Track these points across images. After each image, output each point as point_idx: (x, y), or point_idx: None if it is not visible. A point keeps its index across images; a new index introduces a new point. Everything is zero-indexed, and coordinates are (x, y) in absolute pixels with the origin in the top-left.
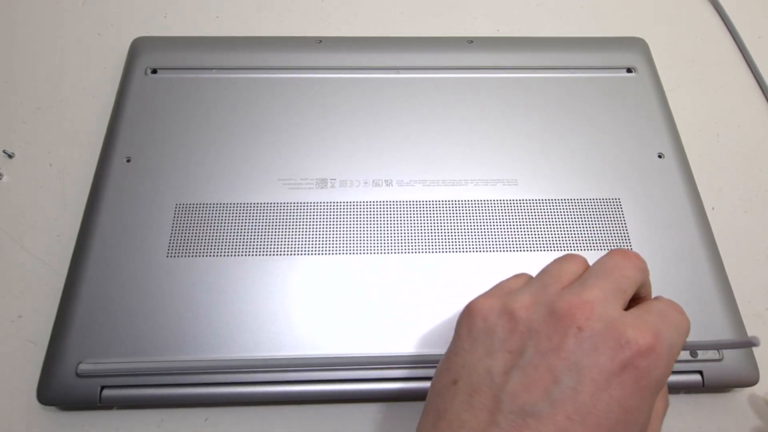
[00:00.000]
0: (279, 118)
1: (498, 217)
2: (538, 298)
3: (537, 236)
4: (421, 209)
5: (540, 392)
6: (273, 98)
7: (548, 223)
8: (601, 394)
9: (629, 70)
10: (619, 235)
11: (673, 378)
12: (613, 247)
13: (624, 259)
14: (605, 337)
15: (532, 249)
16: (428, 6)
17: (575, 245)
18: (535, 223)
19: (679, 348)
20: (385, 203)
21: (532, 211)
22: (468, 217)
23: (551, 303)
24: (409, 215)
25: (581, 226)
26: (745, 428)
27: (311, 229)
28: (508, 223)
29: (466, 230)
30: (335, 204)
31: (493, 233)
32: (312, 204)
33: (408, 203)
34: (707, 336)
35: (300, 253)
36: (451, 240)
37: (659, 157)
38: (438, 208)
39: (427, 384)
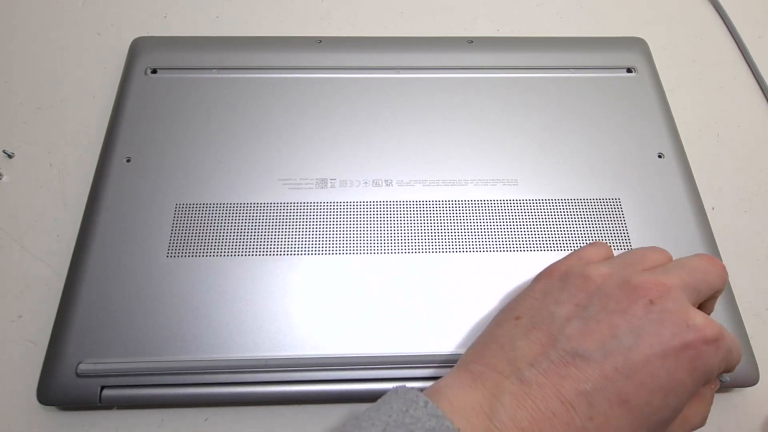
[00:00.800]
0: (279, 118)
1: (498, 217)
2: (616, 270)
3: (537, 236)
4: (421, 209)
5: (596, 341)
6: (273, 98)
7: (548, 223)
8: (654, 360)
9: (629, 70)
10: (619, 235)
11: None
12: (612, 248)
13: (711, 264)
14: (674, 315)
15: (532, 249)
16: (428, 6)
17: (575, 245)
18: (535, 223)
19: (732, 362)
20: (385, 203)
21: (532, 211)
22: (468, 217)
23: (628, 276)
24: (409, 215)
25: (581, 226)
26: (745, 428)
27: (311, 229)
28: (508, 223)
29: (466, 230)
30: (335, 204)
31: (493, 233)
32: (312, 204)
33: (408, 203)
34: None
35: (300, 253)
36: (451, 240)
37: (659, 157)
38: (438, 208)
39: (427, 384)
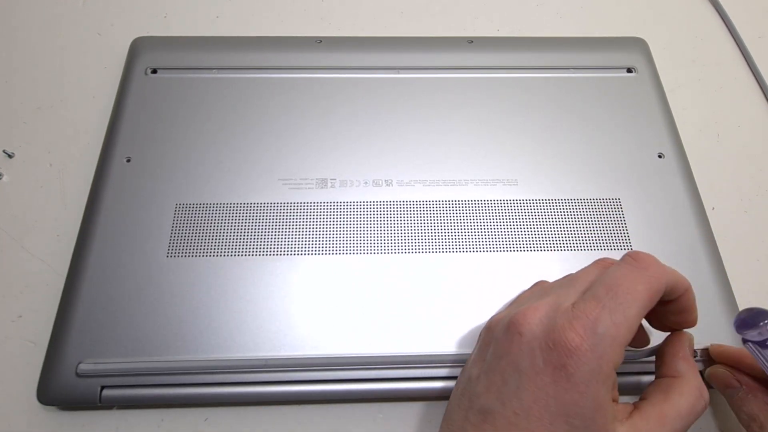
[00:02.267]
0: (279, 118)
1: (498, 217)
2: (508, 311)
3: (537, 236)
4: (421, 209)
5: (494, 393)
6: (273, 98)
7: (548, 223)
8: (539, 392)
9: (629, 70)
10: (619, 235)
11: None
12: (612, 248)
13: (629, 272)
14: (541, 340)
15: (532, 249)
16: (428, 6)
17: (575, 245)
18: (535, 223)
19: (622, 328)
20: (385, 203)
21: (532, 211)
22: (468, 217)
23: (511, 314)
24: (409, 215)
25: (581, 226)
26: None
27: (311, 229)
28: (508, 223)
29: (466, 230)
30: (335, 204)
31: (493, 233)
32: (312, 204)
33: (408, 203)
34: (708, 337)
35: (300, 253)
36: (451, 240)
37: (659, 157)
38: (438, 208)
39: (427, 384)
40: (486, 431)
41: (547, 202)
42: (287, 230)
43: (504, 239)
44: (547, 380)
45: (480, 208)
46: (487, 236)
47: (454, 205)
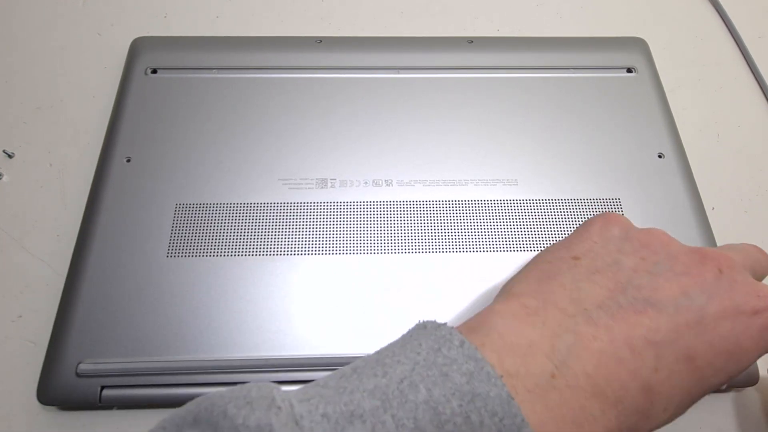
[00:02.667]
0: (279, 118)
1: (498, 217)
2: (677, 240)
3: (537, 236)
4: (421, 209)
5: (667, 296)
6: (273, 98)
7: (548, 223)
8: (725, 322)
9: (629, 70)
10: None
11: None
12: None
13: (758, 251)
14: (743, 285)
15: (532, 249)
16: (428, 6)
17: None
18: (535, 223)
19: None
20: (385, 203)
21: (532, 211)
22: (468, 217)
23: (688, 246)
24: (409, 215)
25: None
26: (745, 428)
27: (311, 229)
28: (508, 223)
29: (466, 230)
30: (335, 204)
31: (493, 233)
32: (312, 204)
33: (408, 203)
34: None
35: (300, 253)
36: (451, 240)
37: (659, 157)
38: (438, 208)
39: None
40: (640, 322)
41: (547, 202)
42: (287, 230)
43: (504, 239)
44: (740, 321)
45: (480, 208)
46: (487, 236)
47: (454, 205)
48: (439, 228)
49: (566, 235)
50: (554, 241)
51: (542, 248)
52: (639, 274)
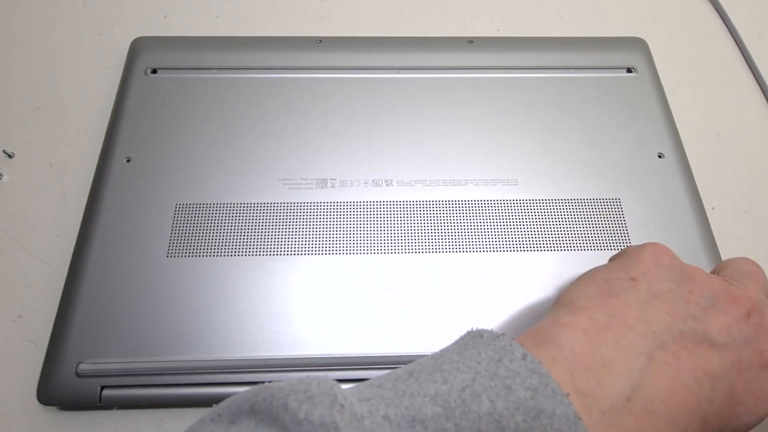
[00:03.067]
0: (279, 118)
1: (498, 217)
2: (714, 276)
3: (537, 236)
4: (421, 209)
5: (717, 331)
6: (273, 98)
7: (548, 223)
8: (754, 366)
9: (629, 70)
10: (619, 235)
11: None
12: (612, 248)
13: (757, 267)
14: (766, 329)
15: (532, 249)
16: (428, 6)
17: (575, 245)
18: (535, 223)
19: None
20: (385, 203)
21: (532, 211)
22: (468, 217)
23: (727, 285)
24: (409, 215)
25: (581, 226)
26: None
27: (311, 229)
28: (508, 223)
29: (466, 230)
30: (335, 204)
31: (493, 233)
32: (312, 204)
33: (408, 203)
34: None
35: (300, 253)
36: (451, 240)
37: (659, 157)
38: (438, 208)
39: None
40: (700, 354)
41: (547, 202)
42: (287, 230)
43: (504, 239)
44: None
45: (480, 208)
46: (487, 236)
47: (454, 205)
48: (440, 228)
49: (567, 236)
50: (554, 241)
51: (542, 248)
52: (692, 306)
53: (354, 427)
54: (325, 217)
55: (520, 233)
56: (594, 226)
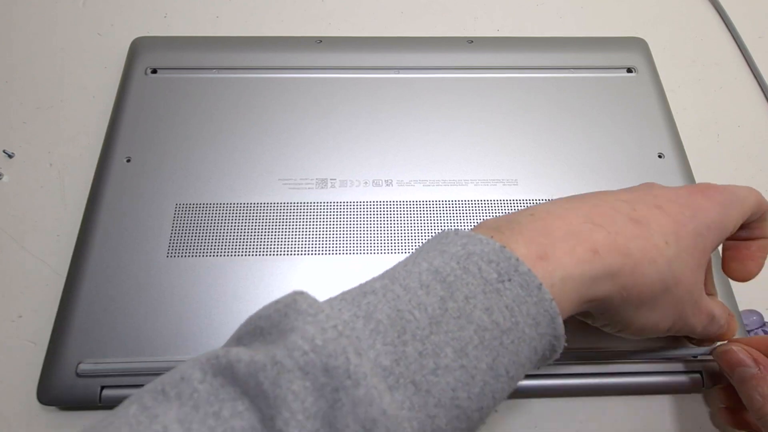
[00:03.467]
0: (279, 118)
1: None
2: None
3: None
4: (422, 209)
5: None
6: (273, 98)
7: None
8: (679, 190)
9: (629, 70)
10: None
11: (672, 378)
12: None
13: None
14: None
15: None
16: (428, 6)
17: None
18: None
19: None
20: (386, 203)
21: None
22: (468, 217)
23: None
24: (409, 215)
25: None
26: None
27: (311, 229)
28: None
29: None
30: (335, 204)
31: None
32: (312, 204)
33: (408, 203)
34: None
35: (300, 253)
36: None
37: (659, 157)
38: (438, 208)
39: None
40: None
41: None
42: (287, 230)
43: None
44: (697, 190)
45: (480, 208)
46: None
47: (455, 205)
48: (440, 228)
49: None
50: None
51: None
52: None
53: (311, 302)
54: (326, 217)
55: None
56: None
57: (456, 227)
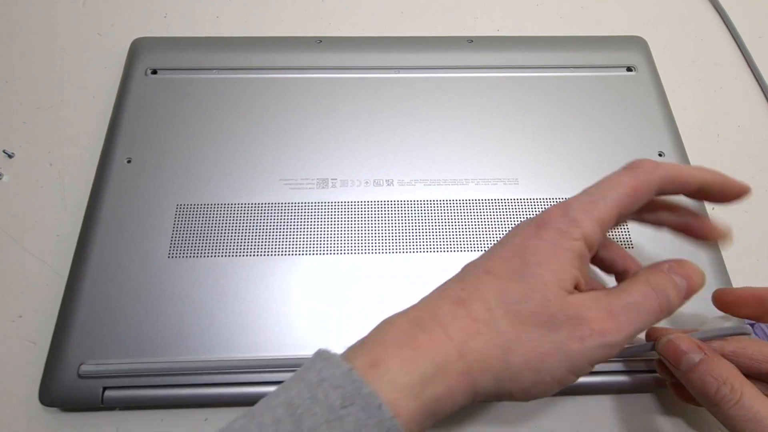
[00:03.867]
0: (279, 118)
1: (499, 217)
2: None
3: None
4: (422, 209)
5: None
6: (273, 98)
7: None
8: (515, 239)
9: (629, 69)
10: (620, 234)
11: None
12: None
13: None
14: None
15: None
16: (428, 6)
17: None
18: None
19: (597, 203)
20: (386, 203)
21: (533, 210)
22: (469, 217)
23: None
24: (410, 215)
25: None
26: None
27: (312, 229)
28: (509, 222)
29: (468, 229)
30: (336, 204)
31: (494, 232)
32: (313, 204)
33: (409, 203)
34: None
35: (301, 253)
36: (452, 239)
37: (659, 156)
38: (439, 208)
39: None
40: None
41: (548, 201)
42: (288, 230)
43: None
44: (529, 233)
45: (481, 208)
46: (488, 236)
47: (455, 205)
48: (440, 227)
49: None
50: None
51: None
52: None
53: None
54: (326, 217)
55: None
56: None
57: (455, 227)
